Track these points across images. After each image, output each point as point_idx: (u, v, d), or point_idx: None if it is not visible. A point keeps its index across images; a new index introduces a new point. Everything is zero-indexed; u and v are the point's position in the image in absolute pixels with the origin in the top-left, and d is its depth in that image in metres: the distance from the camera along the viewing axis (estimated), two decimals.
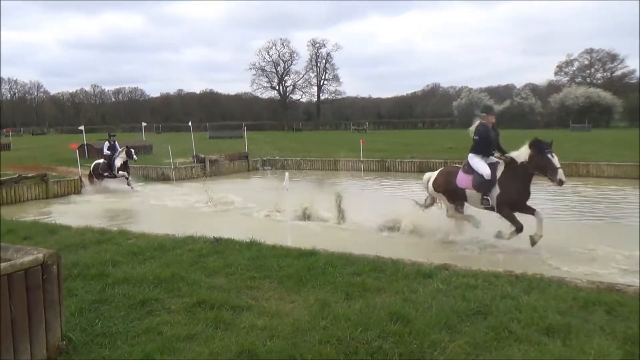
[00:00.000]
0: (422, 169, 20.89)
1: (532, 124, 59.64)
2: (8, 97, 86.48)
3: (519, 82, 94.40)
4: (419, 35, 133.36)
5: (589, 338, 3.52)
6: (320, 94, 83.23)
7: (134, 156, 16.23)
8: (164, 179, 18.77)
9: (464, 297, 4.29)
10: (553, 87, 73.43)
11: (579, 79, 73.32)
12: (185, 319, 3.97)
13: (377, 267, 5.24)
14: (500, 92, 77.19)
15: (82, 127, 25.19)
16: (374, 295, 4.45)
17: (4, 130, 52.19)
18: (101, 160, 16.52)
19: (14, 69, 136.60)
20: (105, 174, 16.30)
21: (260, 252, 5.90)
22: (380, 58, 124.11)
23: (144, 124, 33.78)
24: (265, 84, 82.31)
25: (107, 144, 16.69)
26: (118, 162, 16.01)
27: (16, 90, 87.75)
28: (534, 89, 73.08)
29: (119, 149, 16.36)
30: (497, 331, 3.64)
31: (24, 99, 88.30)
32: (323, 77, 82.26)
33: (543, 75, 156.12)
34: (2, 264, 3.07)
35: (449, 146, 28.15)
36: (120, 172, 15.91)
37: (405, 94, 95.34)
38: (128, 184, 15.84)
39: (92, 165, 16.74)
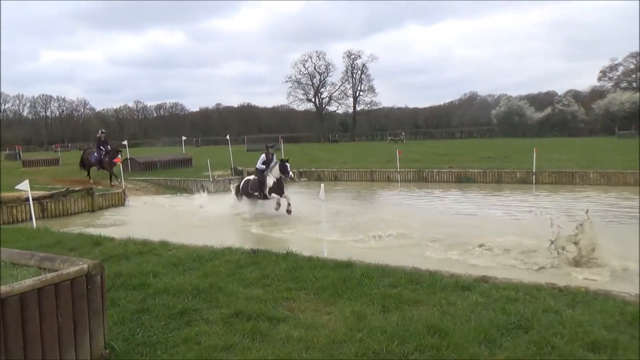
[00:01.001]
0: (461, 179, 20.56)
1: (575, 132, 57.79)
2: (57, 114, 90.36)
3: (560, 88, 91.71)
4: (455, 43, 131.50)
5: (637, 355, 3.37)
6: (356, 105, 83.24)
7: (290, 172, 13.06)
8: (203, 191, 19.15)
9: (504, 311, 4.18)
10: (597, 93, 70.91)
11: (624, 84, 70.56)
12: (222, 330, 4.02)
13: (414, 279, 5.18)
14: (541, 99, 75.10)
15: (125, 142, 26.07)
16: (411, 308, 4.40)
17: (54, 146, 54.57)
18: (251, 177, 14.15)
19: (63, 87, 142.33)
20: (256, 194, 13.60)
21: (296, 263, 5.93)
22: (416, 67, 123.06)
23: (183, 137, 34.63)
24: (302, 97, 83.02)
25: (262, 157, 13.68)
26: (270, 181, 13.09)
27: (64, 108, 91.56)
28: (576, 95, 70.81)
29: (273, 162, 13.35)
30: (539, 346, 3.53)
31: (72, 115, 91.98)
32: (359, 88, 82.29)
33: (585, 81, 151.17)
34: (49, 274, 3.21)
35: (488, 156, 27.60)
36: (273, 195, 12.99)
37: (442, 103, 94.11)
38: (287, 211, 12.58)
39: (242, 183, 14.42)
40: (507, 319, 3.99)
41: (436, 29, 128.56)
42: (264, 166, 13.34)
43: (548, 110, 65.28)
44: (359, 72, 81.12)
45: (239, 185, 14.52)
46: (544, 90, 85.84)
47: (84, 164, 20.80)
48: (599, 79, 75.41)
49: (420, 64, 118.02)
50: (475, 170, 20.90)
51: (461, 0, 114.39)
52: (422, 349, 3.55)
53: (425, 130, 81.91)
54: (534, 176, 19.16)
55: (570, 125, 61.22)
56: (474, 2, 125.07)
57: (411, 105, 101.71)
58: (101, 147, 19.97)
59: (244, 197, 14.05)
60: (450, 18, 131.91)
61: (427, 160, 25.67)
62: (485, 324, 3.90)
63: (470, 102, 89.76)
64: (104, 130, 21.55)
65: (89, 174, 20.41)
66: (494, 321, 3.96)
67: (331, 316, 4.31)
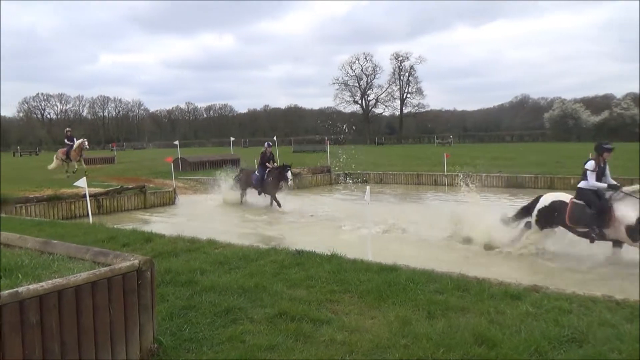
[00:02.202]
0: (510, 184, 19.94)
1: (634, 136, 54.91)
2: (113, 115, 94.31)
3: (618, 91, 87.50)
4: (507, 44, 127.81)
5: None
6: (403, 108, 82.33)
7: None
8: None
9: (557, 322, 4.01)
10: None
11: None
12: (266, 329, 4.06)
13: (461, 286, 5.05)
14: (597, 103, 71.84)
15: (176, 142, 26.84)
16: (458, 315, 4.29)
17: (110, 145, 56.99)
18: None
19: (119, 89, 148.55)
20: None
21: (340, 265, 5.91)
22: (465, 69, 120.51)
23: (232, 138, 35.27)
24: (348, 98, 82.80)
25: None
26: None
27: (120, 109, 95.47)
28: (635, 98, 67.32)
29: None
30: None
31: (127, 116, 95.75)
32: (406, 91, 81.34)
33: None
34: (103, 268, 3.33)
35: (540, 160, 26.66)
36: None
37: (492, 106, 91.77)
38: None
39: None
40: (559, 332, 3.83)
41: (485, 30, 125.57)
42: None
43: (605, 113, 62.41)
44: (407, 74, 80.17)
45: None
46: (600, 93, 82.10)
47: (242, 186, 15.92)
48: None
49: (469, 65, 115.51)
50: (526, 176, 20.22)
51: (511, 0, 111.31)
52: (469, 359, 3.45)
53: (474, 134, 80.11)
54: None
55: (629, 130, 58.22)
56: (524, 2, 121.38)
57: (460, 108, 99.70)
58: (267, 164, 15.10)
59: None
60: (499, 19, 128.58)
61: (475, 164, 25.08)
62: (537, 336, 3.75)
63: (522, 105, 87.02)
64: (270, 144, 16.20)
65: (242, 198, 15.99)
66: (545, 333, 3.80)
67: (375, 320, 4.26)
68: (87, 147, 21.62)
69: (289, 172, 14.61)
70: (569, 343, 3.68)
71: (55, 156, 23.13)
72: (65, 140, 22.05)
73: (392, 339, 3.81)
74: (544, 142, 59.72)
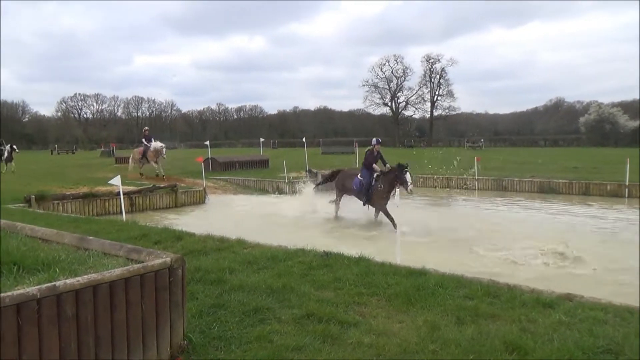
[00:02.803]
0: (544, 190, 19.51)
1: None
2: (147, 115, 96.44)
3: None
4: (542, 46, 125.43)
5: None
6: (434, 110, 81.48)
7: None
8: (279, 192, 19.57)
9: (591, 333, 3.90)
10: None
11: None
12: (294, 330, 4.07)
13: (491, 292, 4.96)
14: (636, 107, 69.60)
15: (207, 143, 27.27)
16: (488, 322, 4.22)
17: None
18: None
19: (153, 90, 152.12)
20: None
21: (368, 268, 5.88)
22: (498, 72, 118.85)
23: (261, 139, 35.59)
24: (378, 101, 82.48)
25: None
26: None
27: (154, 109, 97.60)
28: None
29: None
30: None
31: (160, 116, 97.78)
32: (437, 93, 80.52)
33: None
34: (136, 265, 3.40)
35: (575, 166, 25.99)
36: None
37: (525, 110, 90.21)
38: None
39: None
40: (594, 342, 3.72)
41: (520, 31, 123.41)
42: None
43: None
44: (438, 76, 79.39)
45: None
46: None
47: (337, 192, 13.62)
48: None
49: (502, 68, 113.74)
50: (560, 181, 19.75)
51: (547, 0, 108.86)
52: None
53: (506, 137, 78.67)
54: (626, 189, 17.77)
55: None
56: (561, 2, 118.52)
57: (491, 111, 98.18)
58: (374, 166, 12.53)
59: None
60: (535, 20, 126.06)
61: (507, 169, 24.63)
62: (570, 345, 3.65)
63: (556, 109, 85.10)
64: (379, 140, 12.95)
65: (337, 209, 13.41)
66: (579, 343, 3.70)
67: (403, 324, 4.23)
68: (165, 155, 20.64)
69: (408, 174, 11.64)
70: (604, 354, 3.57)
71: (131, 157, 22.45)
72: (143, 140, 21.44)
73: (420, 343, 3.77)
74: (580, 147, 58.13)
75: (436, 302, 4.69)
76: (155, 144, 20.66)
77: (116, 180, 10.91)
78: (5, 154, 25.21)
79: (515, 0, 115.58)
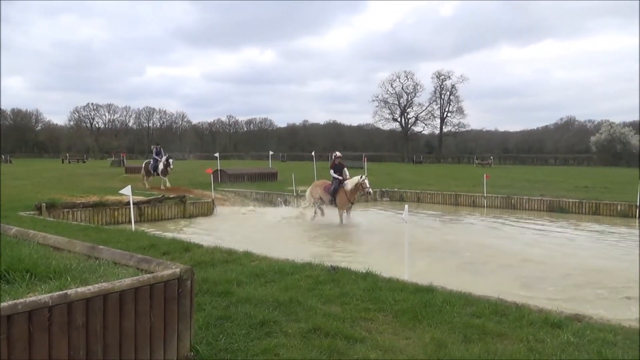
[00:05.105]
0: (553, 209, 19.36)
1: None
2: (158, 126, 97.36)
3: None
4: (553, 64, 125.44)
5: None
6: (443, 127, 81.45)
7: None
8: (286, 205, 19.59)
9: (600, 354, 3.86)
10: None
11: None
12: (300, 344, 4.07)
13: (499, 311, 4.94)
14: None
15: (217, 154, 27.43)
16: (495, 341, 4.19)
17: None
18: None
19: (164, 101, 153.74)
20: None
21: (375, 283, 5.88)
22: (508, 89, 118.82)
23: (270, 152, 35.71)
24: (387, 116, 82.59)
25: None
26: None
27: (165, 120, 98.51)
28: None
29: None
30: None
31: (171, 127, 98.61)
32: (447, 109, 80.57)
33: None
34: (146, 275, 3.44)
35: (585, 185, 25.80)
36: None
37: (535, 128, 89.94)
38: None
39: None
40: None
41: (532, 50, 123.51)
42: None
43: None
44: (448, 92, 79.51)
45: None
46: None
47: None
48: None
49: (513, 85, 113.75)
50: (570, 200, 19.60)
51: (559, 19, 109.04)
52: None
53: (516, 155, 78.36)
54: (638, 210, 17.60)
55: None
56: (573, 21, 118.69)
57: (501, 129, 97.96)
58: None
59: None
60: (547, 39, 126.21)
61: (516, 187, 24.49)
62: None
63: (567, 128, 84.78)
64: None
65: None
66: None
67: (410, 341, 4.21)
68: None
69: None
70: None
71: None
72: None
73: None
74: (590, 167, 57.74)
75: (443, 319, 4.68)
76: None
77: (127, 190, 11.01)
78: (161, 166, 21.64)
79: (527, 20, 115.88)
